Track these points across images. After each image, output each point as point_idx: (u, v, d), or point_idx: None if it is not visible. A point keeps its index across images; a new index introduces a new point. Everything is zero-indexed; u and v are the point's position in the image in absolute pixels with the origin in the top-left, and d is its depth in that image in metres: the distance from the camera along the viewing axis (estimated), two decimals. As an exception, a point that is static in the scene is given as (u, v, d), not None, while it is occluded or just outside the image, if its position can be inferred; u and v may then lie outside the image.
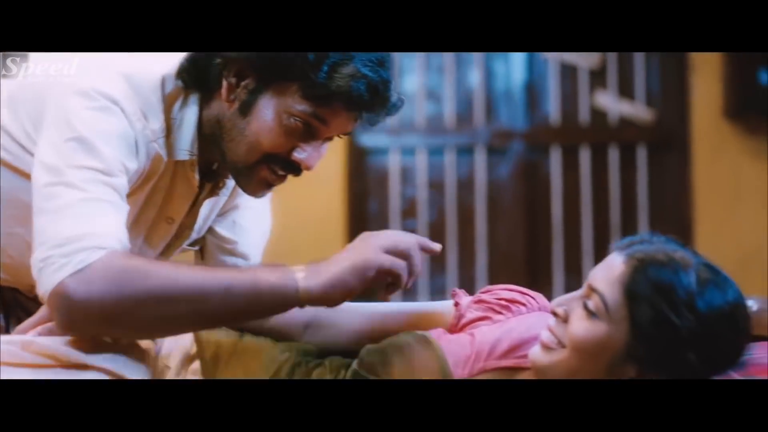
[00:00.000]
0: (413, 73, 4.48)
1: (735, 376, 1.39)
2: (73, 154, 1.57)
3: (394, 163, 4.48)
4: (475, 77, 4.49)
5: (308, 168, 1.67)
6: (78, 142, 1.57)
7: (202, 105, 1.70)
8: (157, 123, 1.67)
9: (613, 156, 4.47)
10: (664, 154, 4.47)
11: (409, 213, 4.48)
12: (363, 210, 4.45)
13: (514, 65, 4.51)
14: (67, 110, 1.60)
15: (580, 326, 1.45)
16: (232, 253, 1.93)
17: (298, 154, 1.66)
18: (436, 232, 4.45)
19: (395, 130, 4.44)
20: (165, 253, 1.87)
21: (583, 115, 4.48)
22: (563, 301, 1.50)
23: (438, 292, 4.39)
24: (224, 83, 1.65)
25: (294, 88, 1.61)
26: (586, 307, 1.45)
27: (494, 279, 4.32)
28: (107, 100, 1.62)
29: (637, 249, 1.46)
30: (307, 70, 1.59)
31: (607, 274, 1.46)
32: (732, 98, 4.29)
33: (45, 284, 1.48)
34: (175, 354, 1.72)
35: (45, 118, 1.63)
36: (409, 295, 1.95)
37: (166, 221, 1.79)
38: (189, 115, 1.69)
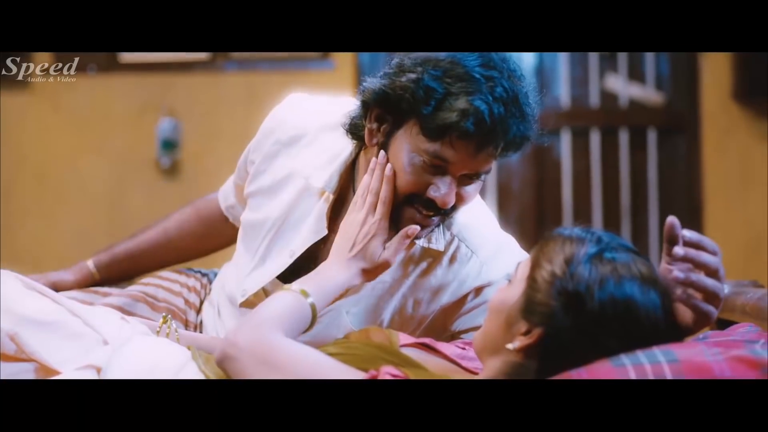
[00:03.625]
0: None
1: (667, 374, 1.40)
2: None
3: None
4: (485, 61, 4.49)
5: (444, 206, 1.67)
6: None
7: (361, 149, 1.76)
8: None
9: (623, 139, 4.49)
10: (674, 137, 4.48)
11: (420, 196, 4.50)
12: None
13: (524, 49, 4.51)
14: None
15: (498, 290, 1.58)
16: None
17: (432, 192, 1.67)
18: (447, 215, 4.48)
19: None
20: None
21: (593, 99, 4.50)
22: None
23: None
24: (366, 129, 1.70)
25: (414, 124, 1.63)
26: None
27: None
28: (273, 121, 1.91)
29: (559, 230, 1.56)
30: (415, 104, 1.61)
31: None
32: (741, 81, 4.30)
33: None
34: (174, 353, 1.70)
35: None
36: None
37: (288, 254, 1.80)
38: (342, 151, 1.78)
